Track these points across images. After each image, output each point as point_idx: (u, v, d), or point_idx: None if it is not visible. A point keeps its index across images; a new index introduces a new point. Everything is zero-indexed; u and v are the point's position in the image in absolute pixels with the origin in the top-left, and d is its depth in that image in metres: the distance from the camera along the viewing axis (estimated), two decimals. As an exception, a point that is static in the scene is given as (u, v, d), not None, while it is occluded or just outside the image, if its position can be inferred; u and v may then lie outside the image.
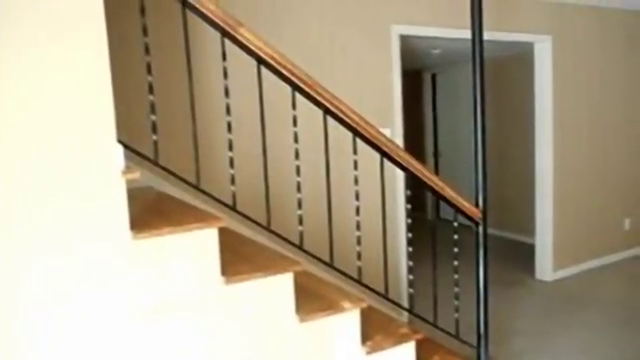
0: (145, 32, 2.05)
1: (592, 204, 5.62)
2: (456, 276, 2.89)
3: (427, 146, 8.44)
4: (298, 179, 2.39)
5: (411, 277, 2.77)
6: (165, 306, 1.79)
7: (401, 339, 2.35)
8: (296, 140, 2.35)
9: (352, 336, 2.20)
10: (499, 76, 6.84)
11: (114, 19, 1.87)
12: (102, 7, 1.62)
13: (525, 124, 6.05)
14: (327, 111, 2.33)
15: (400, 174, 3.23)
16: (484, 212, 2.83)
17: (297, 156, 2.37)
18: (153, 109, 2.10)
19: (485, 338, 2.90)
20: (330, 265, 2.49)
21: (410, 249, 2.77)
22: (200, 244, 1.85)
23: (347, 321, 2.18)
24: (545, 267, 5.38)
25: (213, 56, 2.43)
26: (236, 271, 1.94)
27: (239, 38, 2.08)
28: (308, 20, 3.70)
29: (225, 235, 1.99)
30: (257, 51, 2.12)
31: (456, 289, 2.90)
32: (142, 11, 2.04)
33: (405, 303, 3.63)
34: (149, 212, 2.08)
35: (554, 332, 4.10)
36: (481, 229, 2.83)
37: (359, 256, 2.55)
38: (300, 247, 2.42)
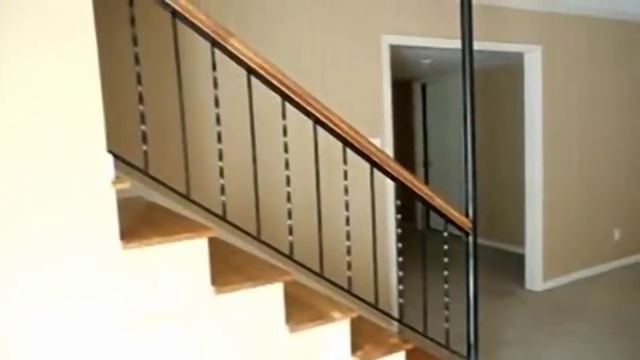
0: (135, 42, 2.05)
1: (582, 214, 5.65)
2: (446, 286, 2.90)
3: (417, 156, 8.47)
4: (288, 189, 2.39)
5: (401, 287, 2.78)
6: (155, 316, 1.79)
7: (391, 349, 2.35)
8: (286, 150, 2.35)
9: (342, 346, 2.20)
10: (489, 86, 6.89)
11: (104, 30, 1.87)
12: (92, 16, 1.62)
13: (515, 134, 6.09)
14: (317, 121, 2.33)
15: (390, 184, 3.24)
16: (474, 222, 2.84)
17: (287, 166, 2.37)
18: (143, 119, 2.10)
19: (475, 348, 2.90)
20: (320, 275, 2.49)
21: (400, 259, 2.78)
22: (190, 254, 1.84)
23: (337, 331, 2.18)
24: (535, 277, 5.39)
25: (203, 66, 2.43)
26: (226, 281, 1.93)
27: (229, 48, 2.09)
28: (299, 30, 3.71)
29: (215, 245, 1.99)
30: (247, 61, 2.13)
31: (446, 299, 2.90)
32: (132, 21, 2.04)
33: (395, 313, 3.62)
34: (139, 222, 2.07)
35: (544, 342, 4.11)
36: (471, 239, 2.84)
37: (349, 266, 2.55)
38: (290, 257, 2.41)
